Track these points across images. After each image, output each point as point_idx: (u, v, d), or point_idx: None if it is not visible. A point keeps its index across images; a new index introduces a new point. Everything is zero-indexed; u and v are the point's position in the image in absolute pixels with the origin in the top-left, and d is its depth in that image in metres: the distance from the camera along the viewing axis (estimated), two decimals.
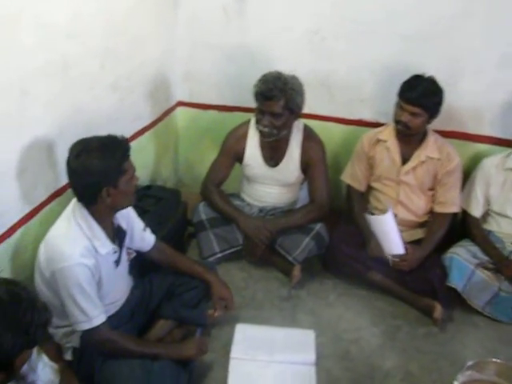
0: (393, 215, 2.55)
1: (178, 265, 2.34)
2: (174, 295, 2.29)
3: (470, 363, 2.02)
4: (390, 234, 2.56)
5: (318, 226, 2.70)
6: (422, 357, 2.38)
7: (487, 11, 2.61)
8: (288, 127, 2.62)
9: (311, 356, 2.30)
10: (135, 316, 2.23)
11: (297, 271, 2.67)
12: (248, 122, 2.76)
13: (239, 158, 2.77)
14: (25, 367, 1.42)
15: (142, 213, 2.31)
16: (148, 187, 2.88)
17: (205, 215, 2.76)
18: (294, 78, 2.53)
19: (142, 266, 2.32)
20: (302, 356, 2.29)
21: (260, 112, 2.54)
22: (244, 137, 2.74)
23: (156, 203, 2.70)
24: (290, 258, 2.66)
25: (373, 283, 2.69)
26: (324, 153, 2.73)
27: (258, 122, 2.57)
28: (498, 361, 2.07)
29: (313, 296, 2.70)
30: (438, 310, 2.49)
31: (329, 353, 2.36)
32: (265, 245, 2.67)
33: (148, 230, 2.26)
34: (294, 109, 2.53)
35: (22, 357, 1.23)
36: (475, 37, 2.67)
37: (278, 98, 2.46)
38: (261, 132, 2.59)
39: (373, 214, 2.73)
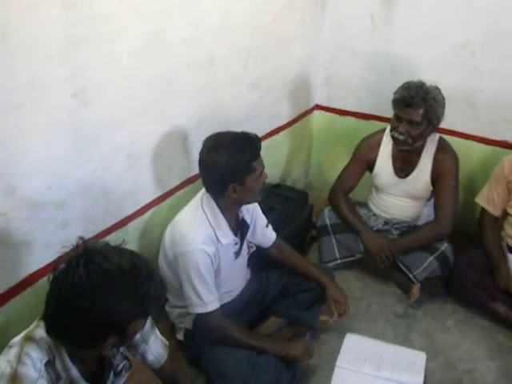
0: None
1: (295, 265, 2.39)
2: (289, 294, 2.35)
3: None
4: None
5: (444, 247, 2.60)
6: None
7: None
8: (423, 139, 2.54)
9: (419, 378, 2.23)
10: (248, 308, 2.31)
11: (416, 290, 2.61)
12: (383, 130, 2.73)
13: (370, 166, 2.75)
14: (138, 337, 1.55)
15: (268, 210, 2.39)
16: (277, 185, 2.97)
17: (329, 220, 2.77)
18: (436, 88, 2.46)
19: (261, 260, 2.39)
20: (409, 377, 2.24)
21: (397, 119, 2.50)
22: (377, 145, 2.72)
23: (283, 202, 2.78)
24: (410, 275, 2.59)
25: (496, 314, 2.54)
26: (457, 167, 2.61)
27: (393, 128, 2.53)
28: None
29: (430, 318, 2.62)
30: None
31: (438, 379, 2.28)
32: (385, 264, 2.62)
33: (270, 227, 2.34)
34: (432, 120, 2.46)
35: (135, 325, 1.32)
36: None
37: (418, 106, 2.41)
38: (395, 139, 2.54)
39: (507, 244, 2.57)
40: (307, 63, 3.14)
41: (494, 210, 2.63)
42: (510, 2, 2.57)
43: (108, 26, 1.77)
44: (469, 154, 2.82)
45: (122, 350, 1.53)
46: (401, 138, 2.49)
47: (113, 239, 1.47)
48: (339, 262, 2.73)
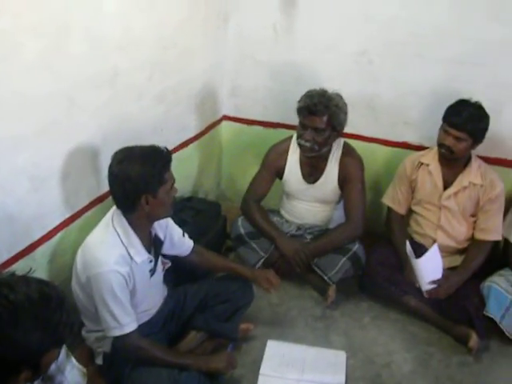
0: (438, 253, 2.53)
1: (218, 265, 2.44)
2: (207, 307, 2.33)
3: None
4: (431, 269, 2.55)
5: (356, 247, 2.69)
6: None
7: None
8: (329, 144, 2.63)
9: (341, 377, 2.29)
10: (167, 325, 2.27)
11: (332, 291, 2.67)
12: (290, 137, 2.79)
13: (279, 173, 2.80)
14: (53, 368, 1.48)
15: (180, 224, 2.37)
16: (189, 199, 2.95)
17: (243, 229, 2.79)
18: (338, 95, 2.56)
19: (177, 276, 2.37)
20: (331, 377, 2.29)
21: (303, 126, 2.57)
22: (285, 152, 2.77)
23: (196, 215, 2.76)
24: (325, 278, 2.66)
25: (408, 307, 2.66)
26: (362, 171, 2.72)
27: (299, 136, 2.59)
28: None
29: (347, 317, 2.69)
30: (474, 339, 2.44)
31: (359, 375, 2.35)
32: (301, 267, 2.66)
33: (186, 235, 2.33)
34: (336, 126, 2.55)
35: (49, 356, 1.26)
36: None
37: (321, 114, 2.49)
38: (302, 147, 2.60)
39: (413, 240, 2.71)
40: (212, 74, 3.15)
41: (400, 209, 2.77)
42: (403, 14, 2.73)
43: (2, 43, 1.69)
44: (373, 157, 2.95)
45: (36, 383, 1.43)
46: (307, 145, 2.56)
47: (20, 267, 1.40)
48: (266, 256, 2.73)
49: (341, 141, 2.73)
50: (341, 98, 2.55)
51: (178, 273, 2.36)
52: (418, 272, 2.55)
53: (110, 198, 2.01)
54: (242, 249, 2.79)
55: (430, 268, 2.54)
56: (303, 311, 2.71)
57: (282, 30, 3.02)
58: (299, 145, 2.62)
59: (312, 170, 2.75)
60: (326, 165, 2.72)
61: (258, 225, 2.75)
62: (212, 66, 3.11)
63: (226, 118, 3.39)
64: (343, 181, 2.72)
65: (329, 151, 2.68)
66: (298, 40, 3.01)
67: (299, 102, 2.56)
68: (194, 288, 2.39)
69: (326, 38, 2.94)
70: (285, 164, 2.77)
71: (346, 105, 2.57)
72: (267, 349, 2.41)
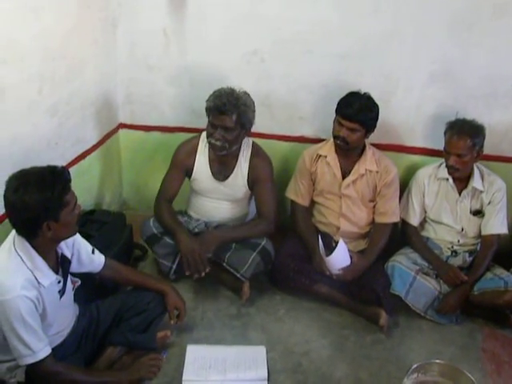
0: (342, 245, 2.64)
1: (131, 279, 2.38)
2: (122, 320, 2.27)
3: (414, 366, 2.11)
4: (340, 261, 2.66)
5: (264, 242, 2.74)
6: (371, 364, 2.45)
7: (415, 31, 2.76)
8: (239, 142, 2.67)
9: (263, 372, 2.31)
10: (83, 345, 2.19)
11: (246, 288, 2.70)
12: (198, 136, 2.79)
13: (189, 171, 2.79)
14: None
15: (85, 239, 2.28)
16: (91, 212, 2.85)
17: (155, 229, 2.75)
18: (246, 94, 2.61)
19: (87, 292, 2.28)
20: (254, 373, 2.31)
21: (212, 126, 2.58)
22: (194, 150, 2.77)
23: (100, 228, 2.68)
24: (237, 275, 2.67)
25: (320, 295, 2.75)
26: (271, 170, 2.79)
27: (209, 135, 2.60)
28: (441, 361, 2.17)
29: (262, 312, 2.73)
30: (384, 317, 2.57)
31: (280, 367, 2.39)
32: (203, 265, 2.59)
33: (96, 251, 2.25)
34: (245, 124, 2.60)
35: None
36: (405, 55, 2.82)
37: (230, 113, 2.52)
38: (212, 145, 2.61)
39: (319, 232, 2.80)
40: (105, 83, 3.06)
41: (303, 201, 2.86)
42: (290, 13, 2.82)
43: None
44: (272, 153, 2.99)
45: None
46: (218, 143, 2.57)
47: None
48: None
49: (249, 140, 2.77)
50: (248, 96, 2.60)
51: (88, 289, 2.28)
52: (328, 265, 2.65)
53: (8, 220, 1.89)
54: (156, 247, 2.75)
55: (339, 260, 2.65)
56: (219, 312, 2.71)
57: (173, 34, 3.00)
58: (210, 144, 2.63)
59: (222, 168, 2.76)
60: (236, 163, 2.75)
61: (163, 221, 2.72)
62: (104, 74, 3.02)
63: (123, 126, 3.31)
64: (253, 181, 2.77)
65: (238, 149, 2.71)
66: (190, 42, 3.00)
67: (207, 101, 2.58)
68: (107, 303, 2.32)
69: (217, 39, 2.96)
70: (194, 162, 2.77)
71: (253, 103, 2.62)
72: (187, 354, 2.38)
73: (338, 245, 2.62)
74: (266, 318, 2.69)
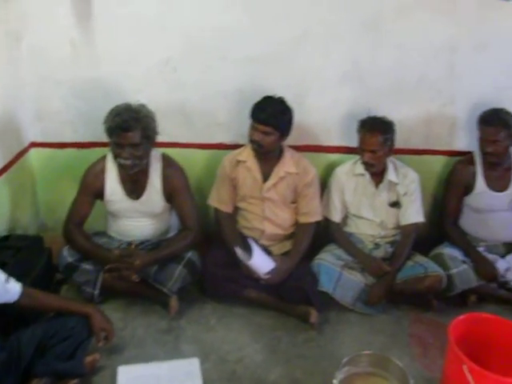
0: (256, 248, 2.66)
1: (52, 305, 2.26)
2: (46, 349, 2.15)
3: (345, 360, 2.16)
4: (259, 262, 2.67)
5: (189, 254, 2.72)
6: (305, 362, 2.48)
7: (325, 33, 2.83)
8: (147, 156, 2.62)
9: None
10: (4, 381, 2.05)
11: (174, 302, 2.65)
12: (104, 157, 2.71)
13: (99, 194, 2.71)
14: None
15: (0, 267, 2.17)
16: (6, 237, 2.71)
17: (71, 258, 2.66)
18: (142, 105, 2.56)
19: (5, 324, 2.16)
20: None
21: (118, 146, 2.51)
22: (102, 172, 2.69)
23: (15, 254, 2.55)
24: (164, 290, 2.64)
25: (250, 300, 2.76)
26: (186, 179, 2.76)
27: (117, 156, 2.53)
28: (369, 352, 2.24)
29: (194, 323, 2.69)
30: (314, 315, 2.62)
31: (215, 377, 2.36)
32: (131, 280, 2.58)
33: (11, 280, 2.12)
34: (150, 136, 2.55)
35: None
36: (317, 57, 2.89)
37: (135, 128, 2.47)
38: (123, 166, 2.55)
39: (245, 236, 2.81)
40: (10, 101, 2.91)
41: (227, 208, 2.85)
42: (201, 20, 2.81)
43: None
44: (192, 162, 3.00)
45: None
46: (128, 163, 2.51)
47: None
48: (101, 274, 2.64)
49: (158, 152, 2.72)
50: (145, 106, 2.57)
51: (6, 320, 2.16)
52: (253, 268, 2.66)
53: None
54: (75, 276, 2.66)
55: (261, 263, 2.67)
56: (149, 328, 2.65)
57: (81, 46, 2.90)
58: (120, 165, 2.56)
59: (134, 186, 2.70)
60: (147, 178, 2.69)
61: (81, 247, 2.64)
62: (9, 91, 2.87)
63: (34, 144, 3.16)
64: (170, 193, 2.73)
65: (148, 163, 2.66)
66: (100, 54, 2.92)
67: (106, 122, 2.50)
68: (28, 333, 2.18)
69: (127, 49, 2.89)
70: (103, 184, 2.69)
71: (152, 112, 2.58)
72: (119, 376, 2.30)
73: (253, 249, 2.64)
74: (198, 328, 2.67)
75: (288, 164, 2.76)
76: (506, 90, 3.04)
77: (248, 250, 2.67)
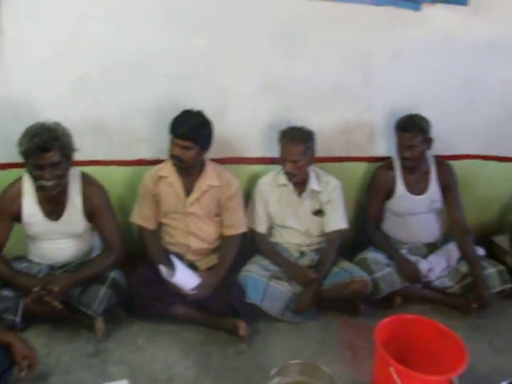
0: (179, 264, 2.63)
1: None
2: None
3: (274, 371, 2.17)
4: (184, 279, 2.64)
5: (114, 273, 2.65)
6: (236, 375, 2.47)
7: (241, 46, 2.86)
8: (67, 175, 2.55)
9: None
10: None
11: (99, 324, 2.58)
12: (20, 179, 2.62)
13: (17, 217, 2.60)
14: None
15: None
16: None
17: None
18: (57, 123, 2.49)
19: None
20: None
21: (38, 168, 2.41)
22: (18, 195, 2.59)
23: None
24: (89, 312, 2.56)
25: (178, 317, 2.72)
26: (107, 197, 2.70)
27: (38, 178, 2.44)
28: (298, 361, 2.26)
29: (121, 344, 2.63)
30: (243, 328, 2.61)
31: None
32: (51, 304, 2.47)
33: None
34: (69, 153, 2.49)
35: None
36: (235, 70, 2.91)
37: (54, 147, 2.39)
38: (44, 187, 2.46)
39: (170, 253, 2.78)
40: None
41: (150, 224, 2.82)
42: (117, 36, 2.75)
43: None
44: (113, 179, 2.93)
45: None
46: (50, 184, 2.44)
47: None
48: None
49: (77, 171, 2.66)
50: (59, 124, 2.49)
51: None
52: (178, 285, 2.63)
53: None
54: None
55: (186, 278, 2.65)
56: (75, 352, 2.56)
57: None
58: (41, 187, 2.47)
59: (53, 207, 2.62)
60: (66, 198, 2.62)
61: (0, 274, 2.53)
62: None
63: None
64: (91, 212, 2.66)
65: (66, 183, 2.59)
66: (11, 71, 2.77)
67: (21, 145, 2.40)
68: None
69: (41, 66, 2.76)
70: (21, 207, 2.59)
71: (67, 129, 2.52)
72: None
73: (176, 266, 2.62)
74: (126, 349, 2.60)
75: (210, 177, 2.76)
76: (421, 96, 3.18)
77: (172, 266, 2.64)
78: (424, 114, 2.99)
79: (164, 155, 2.89)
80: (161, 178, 2.76)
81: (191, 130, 2.57)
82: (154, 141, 2.97)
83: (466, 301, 2.96)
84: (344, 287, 2.77)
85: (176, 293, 2.65)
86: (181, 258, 2.76)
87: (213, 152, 2.79)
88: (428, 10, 2.99)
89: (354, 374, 2.49)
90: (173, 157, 2.63)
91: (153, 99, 2.90)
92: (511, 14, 3.12)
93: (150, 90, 2.88)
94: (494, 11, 3.08)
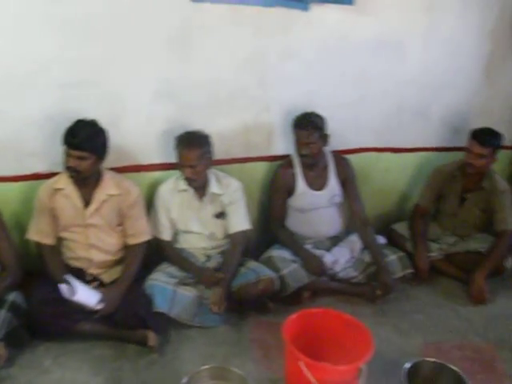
0: (76, 283, 2.55)
1: None
2: None
3: (184, 379, 2.16)
4: (84, 296, 2.57)
5: (12, 295, 2.52)
6: None
7: (134, 53, 2.80)
8: None
9: None
10: None
11: (1, 350, 2.41)
12: None
13: None
14: None
15: None
16: None
17: None
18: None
19: None
20: None
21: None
22: None
23: None
24: None
25: (85, 333, 2.62)
26: (0, 215, 2.58)
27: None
28: (209, 366, 2.27)
29: (26, 369, 2.48)
30: (152, 338, 2.57)
31: None
32: None
33: None
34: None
35: None
36: (129, 77, 2.84)
37: None
38: None
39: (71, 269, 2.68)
40: None
41: (48, 240, 2.70)
42: (7, 48, 2.61)
43: None
44: (4, 197, 2.78)
45: None
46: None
47: None
48: None
49: None
50: None
51: None
52: (80, 303, 2.55)
53: None
54: None
55: (87, 295, 2.57)
56: None
57: None
58: None
59: None
60: None
61: None
62: None
63: None
64: None
65: None
66: None
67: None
68: None
69: None
70: None
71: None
72: None
73: (74, 285, 2.54)
74: (31, 373, 2.46)
75: (108, 186, 2.69)
76: (315, 94, 3.28)
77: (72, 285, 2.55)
78: (319, 111, 3.08)
79: (60, 168, 2.76)
80: (57, 190, 2.65)
81: (86, 139, 2.49)
82: (49, 153, 2.82)
83: (371, 288, 3.10)
84: (252, 287, 2.80)
85: (81, 310, 2.56)
86: (83, 272, 2.66)
87: (110, 161, 2.73)
88: (318, 10, 3.09)
89: (267, 373, 2.52)
90: (68, 168, 2.54)
91: (45, 110, 2.77)
92: (393, 11, 3.30)
93: (41, 101, 2.75)
94: (378, 10, 3.25)
